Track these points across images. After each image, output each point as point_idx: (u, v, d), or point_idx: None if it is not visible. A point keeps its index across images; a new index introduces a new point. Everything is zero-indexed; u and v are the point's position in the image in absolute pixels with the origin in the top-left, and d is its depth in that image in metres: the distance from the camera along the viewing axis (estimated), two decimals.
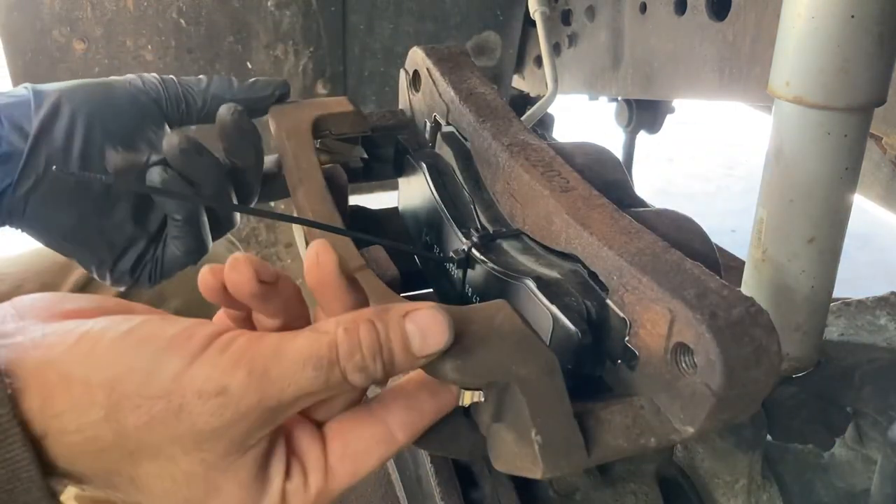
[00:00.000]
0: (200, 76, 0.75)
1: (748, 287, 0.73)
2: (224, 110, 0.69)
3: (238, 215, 0.78)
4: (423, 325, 0.41)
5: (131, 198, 0.71)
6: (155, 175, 0.67)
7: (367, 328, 0.41)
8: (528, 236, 0.60)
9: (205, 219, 0.72)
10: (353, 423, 0.45)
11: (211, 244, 0.74)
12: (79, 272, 1.01)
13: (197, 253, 0.73)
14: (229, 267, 0.43)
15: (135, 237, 0.72)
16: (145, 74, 0.73)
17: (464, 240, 0.62)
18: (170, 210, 0.70)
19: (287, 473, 0.43)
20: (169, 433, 0.39)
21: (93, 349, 0.40)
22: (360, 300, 0.46)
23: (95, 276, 0.73)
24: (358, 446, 0.44)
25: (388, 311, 0.42)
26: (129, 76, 0.72)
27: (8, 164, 0.65)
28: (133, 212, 0.71)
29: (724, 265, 0.57)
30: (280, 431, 0.44)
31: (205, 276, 0.44)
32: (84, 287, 1.00)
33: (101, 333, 0.41)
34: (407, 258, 0.72)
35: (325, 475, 0.44)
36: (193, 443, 0.40)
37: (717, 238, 0.61)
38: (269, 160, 0.78)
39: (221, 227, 0.75)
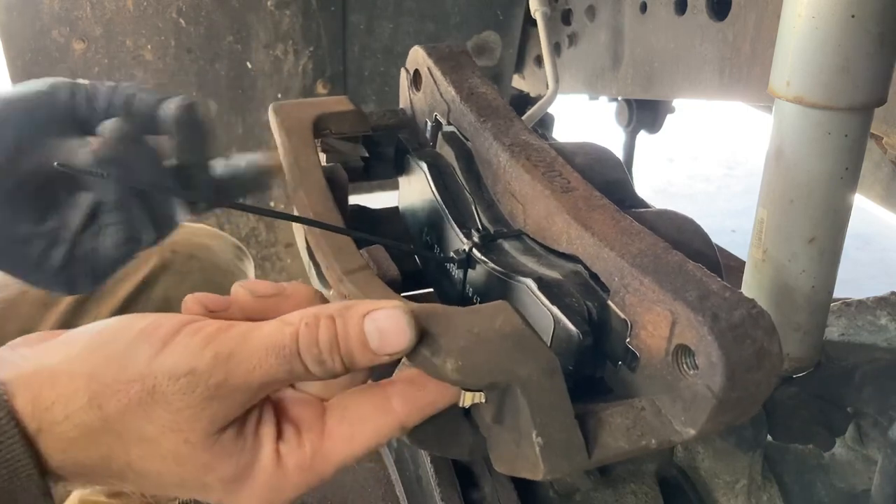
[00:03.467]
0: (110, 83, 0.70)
1: (749, 287, 0.73)
2: (171, 105, 0.68)
3: (180, 215, 0.74)
4: (382, 325, 0.43)
5: (36, 192, 0.66)
6: (85, 156, 0.63)
7: (327, 324, 0.43)
8: (528, 237, 0.60)
9: (138, 211, 0.68)
10: (355, 393, 0.46)
11: (149, 239, 0.70)
12: None
13: (132, 244, 0.69)
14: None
15: (54, 234, 0.67)
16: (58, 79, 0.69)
17: (464, 240, 0.62)
18: (102, 193, 0.66)
19: (280, 436, 0.45)
20: (147, 414, 0.42)
21: (73, 347, 0.43)
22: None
23: (28, 284, 0.70)
24: (356, 412, 0.45)
25: (350, 308, 0.44)
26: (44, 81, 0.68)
27: None
28: (43, 206, 0.66)
29: (724, 265, 0.57)
30: (266, 401, 0.46)
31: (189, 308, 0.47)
32: (89, 295, 1.00)
33: (80, 334, 0.44)
34: (407, 258, 0.72)
35: (321, 435, 0.45)
36: (172, 422, 0.42)
37: (717, 238, 0.61)
38: (241, 159, 0.75)
39: (161, 226, 0.71)
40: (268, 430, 0.44)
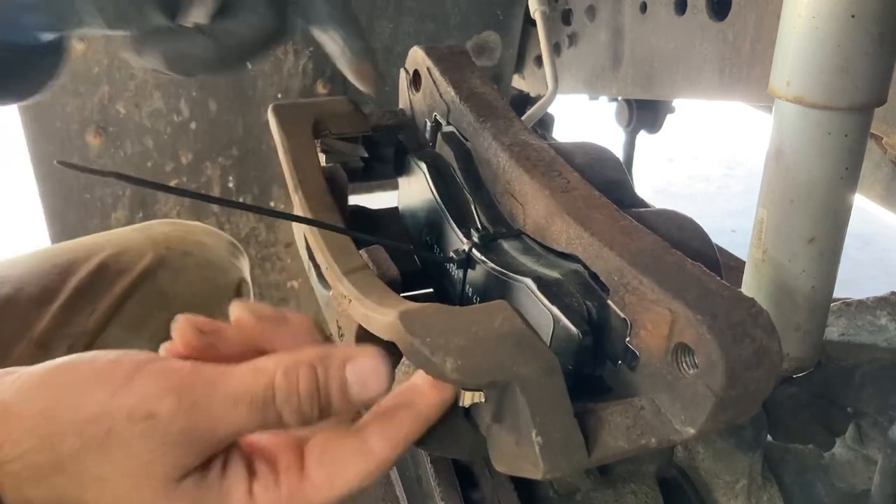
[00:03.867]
0: None
1: (748, 287, 0.73)
2: None
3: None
4: (364, 373, 0.43)
5: None
6: None
7: (307, 373, 0.42)
8: (528, 236, 0.60)
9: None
10: (332, 435, 0.45)
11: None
12: (80, 275, 1.01)
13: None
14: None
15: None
16: None
17: (464, 240, 0.62)
18: None
19: (253, 475, 0.43)
20: (103, 458, 0.40)
21: (27, 384, 0.41)
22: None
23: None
24: (335, 456, 0.44)
25: (330, 356, 0.43)
26: None
27: None
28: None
29: (724, 265, 0.57)
30: (232, 445, 0.44)
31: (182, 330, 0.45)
32: (85, 290, 1.00)
33: (35, 369, 0.42)
34: (407, 258, 0.72)
35: (299, 477, 0.44)
36: (129, 467, 0.40)
37: (717, 238, 0.61)
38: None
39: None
40: (237, 472, 0.43)
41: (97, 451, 0.40)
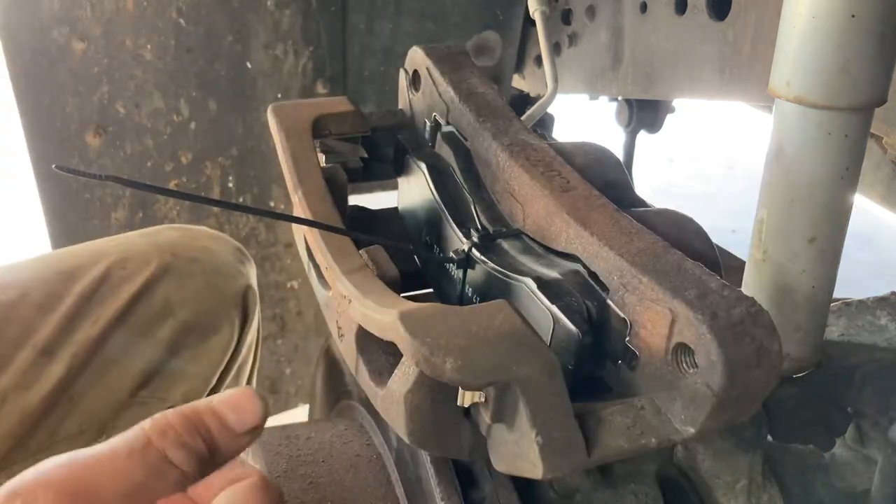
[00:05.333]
0: None
1: (749, 287, 0.73)
2: None
3: None
4: (233, 399, 0.43)
5: None
6: None
7: (176, 412, 0.42)
8: (528, 236, 0.60)
9: None
10: None
11: None
12: (84, 281, 1.00)
13: None
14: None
15: None
16: None
17: (464, 240, 0.62)
18: None
19: None
20: None
21: None
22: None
23: None
24: None
25: (193, 403, 0.43)
26: None
27: None
28: None
29: (725, 265, 0.57)
30: None
31: None
32: (90, 297, 0.99)
33: None
34: (407, 258, 0.72)
35: None
36: None
37: (717, 238, 0.61)
38: None
39: None
40: None
41: None
